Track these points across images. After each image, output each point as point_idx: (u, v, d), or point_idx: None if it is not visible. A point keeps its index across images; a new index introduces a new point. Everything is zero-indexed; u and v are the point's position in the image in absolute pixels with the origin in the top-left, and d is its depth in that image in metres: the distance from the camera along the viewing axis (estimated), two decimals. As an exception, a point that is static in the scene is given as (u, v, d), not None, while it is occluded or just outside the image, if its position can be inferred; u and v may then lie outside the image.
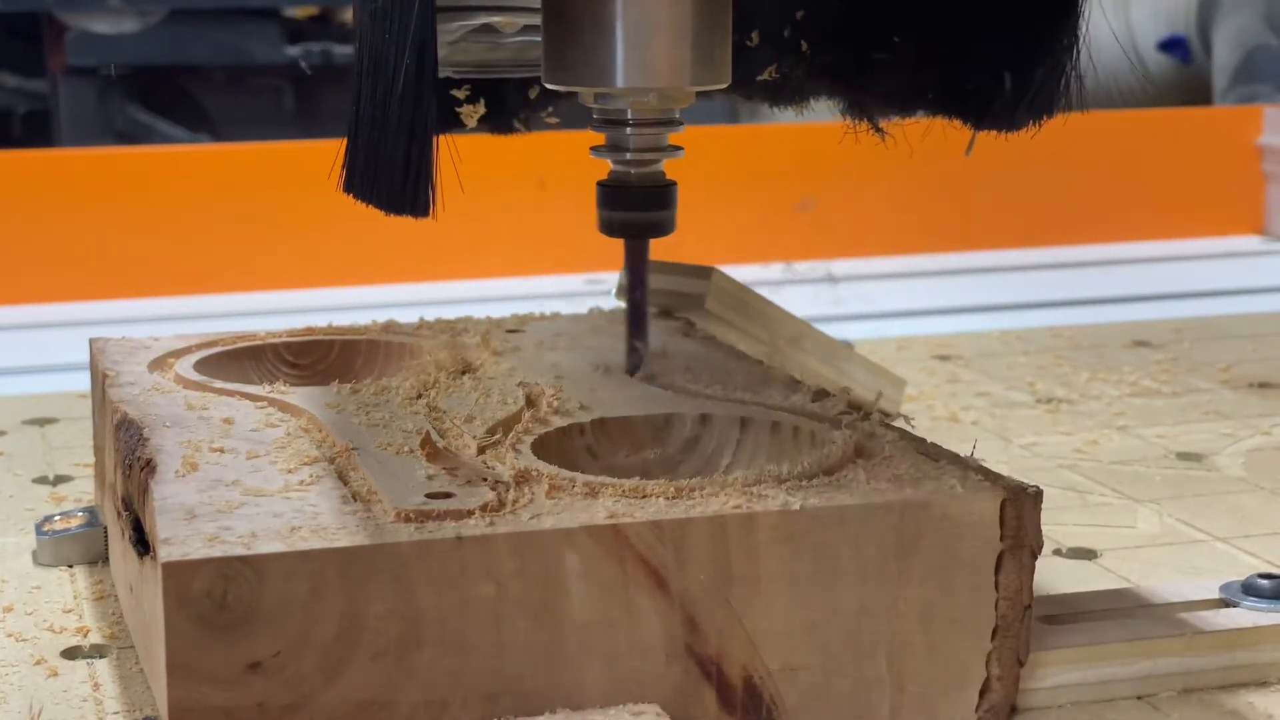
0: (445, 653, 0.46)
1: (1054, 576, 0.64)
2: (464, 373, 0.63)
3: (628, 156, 0.59)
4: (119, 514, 0.56)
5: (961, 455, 0.53)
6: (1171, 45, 2.11)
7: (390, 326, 0.71)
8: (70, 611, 0.60)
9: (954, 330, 1.10)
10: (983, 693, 0.51)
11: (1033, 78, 0.58)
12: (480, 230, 1.23)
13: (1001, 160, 1.40)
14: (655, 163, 0.60)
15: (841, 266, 1.33)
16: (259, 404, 0.60)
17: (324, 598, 0.45)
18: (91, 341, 0.70)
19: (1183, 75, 2.13)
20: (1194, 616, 0.55)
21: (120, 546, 0.57)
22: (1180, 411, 0.88)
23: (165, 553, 0.45)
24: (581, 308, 0.77)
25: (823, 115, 0.69)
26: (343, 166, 0.53)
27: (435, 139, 0.51)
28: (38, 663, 0.56)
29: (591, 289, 1.19)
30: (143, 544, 0.50)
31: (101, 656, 0.56)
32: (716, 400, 0.60)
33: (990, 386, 0.94)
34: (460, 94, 0.64)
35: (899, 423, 0.58)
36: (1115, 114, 1.80)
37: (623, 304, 0.73)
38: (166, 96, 2.44)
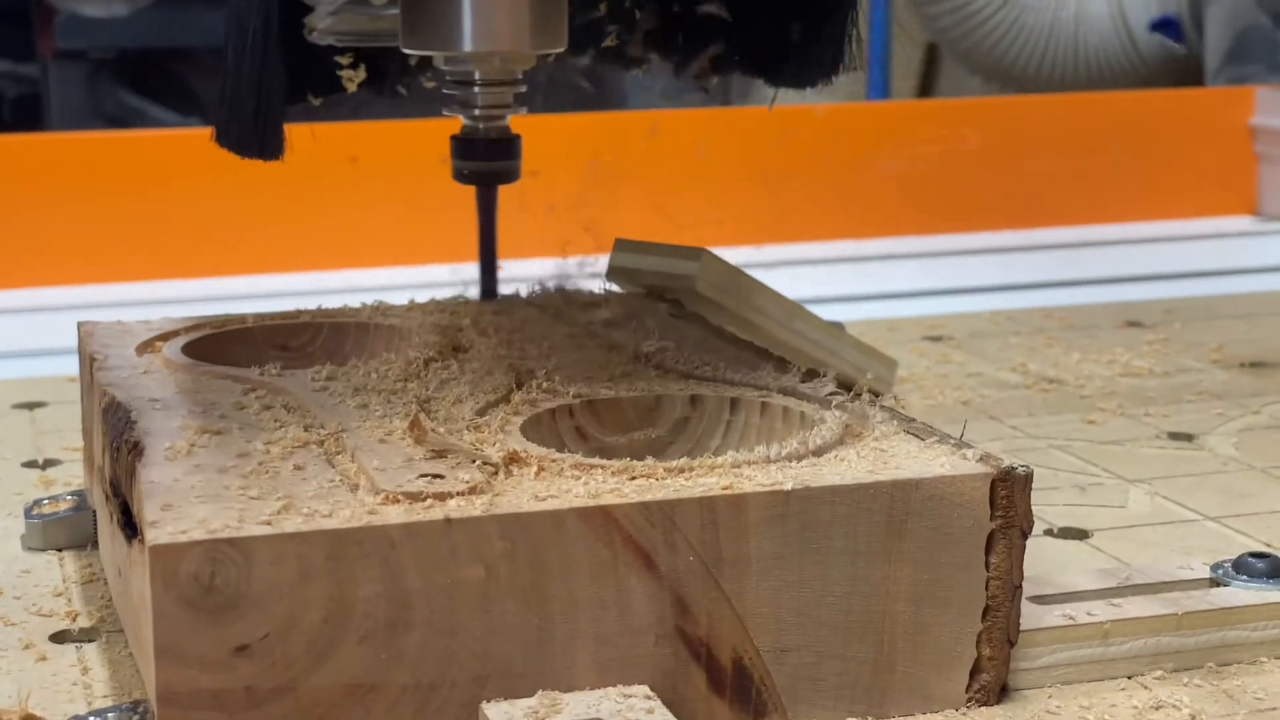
0: (434, 635, 0.46)
1: (1045, 556, 0.64)
2: (453, 354, 0.63)
3: (476, 113, 0.66)
4: (107, 497, 0.56)
5: (952, 435, 0.53)
6: (1163, 26, 2.11)
7: (379, 309, 0.71)
8: (59, 595, 0.60)
9: (945, 311, 1.10)
10: (973, 673, 0.51)
11: (816, 42, 0.66)
12: (468, 214, 1.23)
13: (993, 141, 1.41)
14: (501, 118, 0.66)
15: (833, 248, 1.33)
16: (247, 387, 0.60)
17: (312, 580, 0.45)
18: (80, 325, 0.69)
19: (1175, 56, 2.12)
20: (1185, 596, 0.55)
21: (109, 530, 0.57)
22: (1172, 392, 0.88)
23: (153, 536, 0.45)
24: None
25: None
26: (214, 120, 0.60)
27: (282, 91, 0.58)
28: (26, 647, 0.55)
29: (580, 271, 1.18)
30: (130, 527, 0.50)
31: (90, 640, 0.56)
32: (706, 381, 0.60)
33: (981, 367, 0.94)
34: (343, 60, 0.69)
35: (889, 403, 0.58)
36: (1107, 95, 1.80)
37: (615, 287, 0.74)
38: (157, 80, 2.43)
